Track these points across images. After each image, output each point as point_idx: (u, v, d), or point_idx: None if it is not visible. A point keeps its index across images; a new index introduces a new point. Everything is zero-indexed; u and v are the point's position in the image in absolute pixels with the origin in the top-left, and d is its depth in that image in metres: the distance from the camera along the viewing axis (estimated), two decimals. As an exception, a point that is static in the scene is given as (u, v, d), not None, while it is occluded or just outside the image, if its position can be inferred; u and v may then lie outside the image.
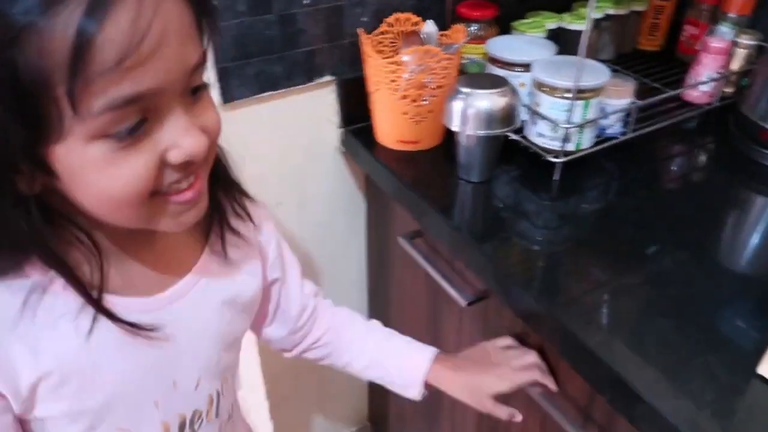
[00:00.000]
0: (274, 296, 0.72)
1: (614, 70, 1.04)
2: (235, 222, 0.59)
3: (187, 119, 0.41)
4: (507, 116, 0.82)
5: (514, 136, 0.89)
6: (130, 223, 0.44)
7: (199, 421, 0.60)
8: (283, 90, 0.95)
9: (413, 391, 0.76)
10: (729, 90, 1.05)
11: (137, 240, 0.51)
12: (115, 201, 0.41)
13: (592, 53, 1.13)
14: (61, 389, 0.48)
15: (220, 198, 0.57)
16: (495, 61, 0.93)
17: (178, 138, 0.40)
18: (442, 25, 0.99)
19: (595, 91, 0.84)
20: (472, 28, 0.99)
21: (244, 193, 0.61)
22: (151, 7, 0.35)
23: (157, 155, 0.40)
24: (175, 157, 0.41)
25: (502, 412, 0.74)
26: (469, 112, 0.81)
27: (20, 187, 0.40)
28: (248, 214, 0.61)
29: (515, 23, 1.03)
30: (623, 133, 0.93)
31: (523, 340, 0.79)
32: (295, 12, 0.89)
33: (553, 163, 0.87)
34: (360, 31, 0.93)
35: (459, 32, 0.92)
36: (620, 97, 0.91)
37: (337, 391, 1.38)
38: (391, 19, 0.96)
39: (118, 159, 0.39)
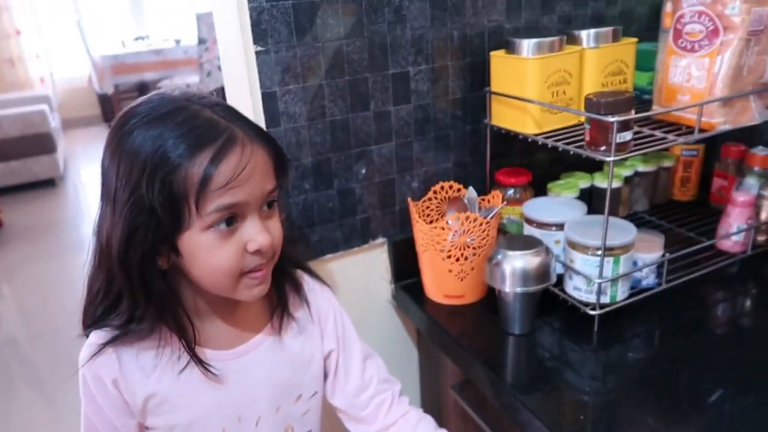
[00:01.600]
0: (332, 366, 0.82)
1: (645, 223, 1.12)
2: (295, 302, 0.78)
3: (260, 223, 0.63)
4: (542, 274, 0.90)
5: (553, 290, 0.96)
6: (223, 290, 0.65)
7: None
8: (342, 252, 1.07)
9: None
10: (762, 238, 1.10)
11: (224, 306, 0.71)
12: (218, 272, 0.63)
13: (626, 207, 1.22)
14: (161, 407, 0.69)
15: (286, 289, 0.77)
16: (530, 221, 1.03)
17: (254, 234, 0.63)
18: (483, 190, 1.11)
19: (624, 248, 0.91)
20: (509, 192, 1.10)
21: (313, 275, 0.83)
22: (246, 156, 0.60)
23: (241, 244, 0.63)
24: (251, 246, 0.63)
25: None
26: (506, 271, 0.90)
27: (160, 263, 0.63)
28: (307, 302, 0.80)
29: (550, 184, 1.14)
30: (658, 284, 0.99)
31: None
32: (353, 186, 1.04)
33: (591, 315, 0.93)
34: (409, 199, 1.06)
35: (497, 197, 1.04)
36: (651, 251, 0.97)
37: None
38: (437, 187, 1.10)
39: (220, 244, 0.62)
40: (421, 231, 1.02)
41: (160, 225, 0.59)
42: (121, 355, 0.67)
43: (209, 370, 0.69)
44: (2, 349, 2.51)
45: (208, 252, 0.61)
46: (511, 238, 0.97)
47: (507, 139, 1.10)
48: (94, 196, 4.18)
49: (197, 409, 0.71)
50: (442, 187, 1.10)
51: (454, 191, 1.11)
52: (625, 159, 1.00)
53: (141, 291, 0.63)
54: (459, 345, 0.95)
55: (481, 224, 0.98)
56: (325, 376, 0.83)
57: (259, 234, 0.63)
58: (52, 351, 2.44)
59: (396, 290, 1.13)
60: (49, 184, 4.35)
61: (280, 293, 0.76)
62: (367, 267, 1.12)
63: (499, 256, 0.91)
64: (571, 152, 0.91)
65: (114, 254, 0.60)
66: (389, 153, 1.06)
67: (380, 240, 1.11)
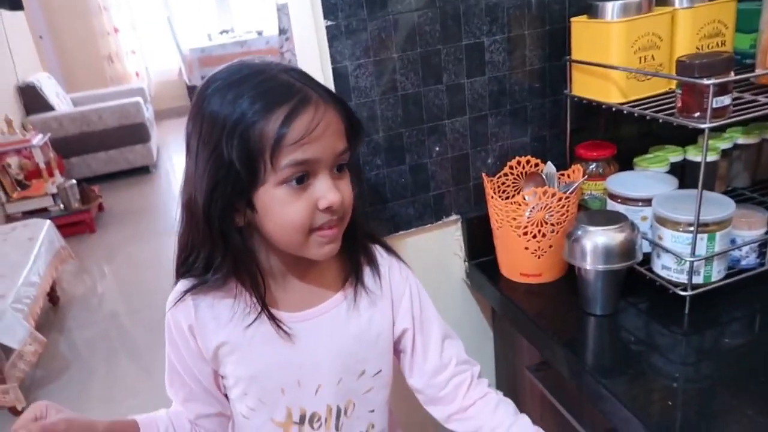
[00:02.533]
0: (408, 346, 0.81)
1: (746, 200, 1.03)
2: (369, 274, 0.78)
3: (331, 181, 0.65)
4: (626, 251, 0.84)
5: (639, 269, 0.90)
6: (294, 246, 0.67)
7: (318, 423, 0.76)
8: (415, 228, 1.06)
9: None
10: None
11: (297, 267, 0.73)
12: (290, 227, 0.65)
13: (724, 182, 1.12)
14: (228, 357, 0.73)
15: (360, 259, 0.77)
16: (615, 197, 0.97)
17: (325, 191, 0.64)
18: (562, 165, 1.06)
19: (720, 224, 0.84)
20: (591, 167, 1.04)
21: (388, 251, 0.82)
22: (319, 116, 0.62)
23: (313, 201, 0.64)
24: (321, 203, 0.64)
25: None
26: (587, 248, 0.85)
27: (237, 220, 0.66)
28: (379, 275, 0.78)
29: (637, 159, 1.06)
30: (760, 264, 0.90)
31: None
32: (425, 162, 1.02)
33: (682, 296, 0.86)
34: (484, 175, 1.03)
35: (577, 172, 0.99)
36: (752, 229, 0.89)
37: None
38: (513, 162, 1.06)
39: (292, 199, 0.64)
40: (496, 207, 0.98)
41: (239, 180, 0.62)
42: (198, 303, 0.71)
43: (280, 327, 0.71)
44: (105, 323, 2.71)
45: (281, 207, 0.64)
46: (593, 213, 0.91)
47: (589, 111, 1.04)
48: (184, 182, 4.39)
49: (260, 365, 0.73)
50: (519, 162, 1.06)
51: (531, 166, 1.06)
52: (723, 127, 0.91)
53: (220, 242, 0.66)
54: (536, 325, 0.91)
55: (560, 199, 0.93)
56: (401, 354, 0.82)
57: (330, 191, 0.64)
58: (148, 325, 2.60)
59: (470, 268, 1.10)
60: (143, 171, 4.63)
61: (353, 261, 0.76)
62: (440, 244, 1.10)
63: (579, 232, 0.87)
64: (660, 120, 0.84)
65: (197, 208, 0.64)
66: (463, 127, 1.03)
67: (454, 217, 1.08)
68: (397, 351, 0.83)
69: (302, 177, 0.63)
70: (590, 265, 0.86)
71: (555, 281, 1.00)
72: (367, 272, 0.78)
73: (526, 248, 0.97)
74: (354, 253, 0.76)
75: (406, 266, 0.82)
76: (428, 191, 1.04)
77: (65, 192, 3.61)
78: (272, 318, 0.71)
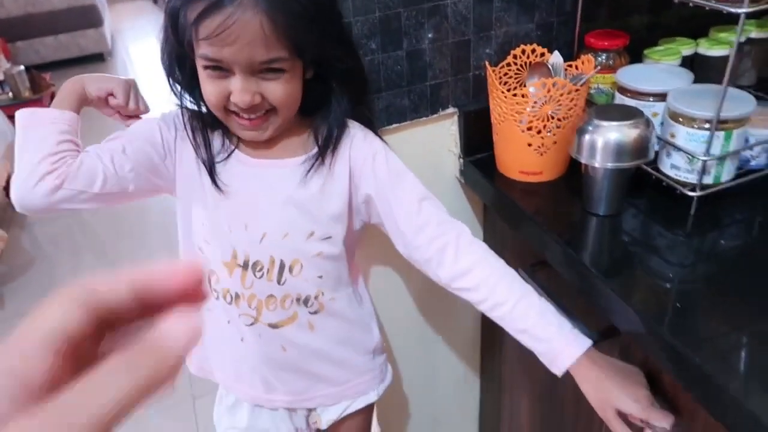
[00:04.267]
0: (379, 212, 0.83)
1: (759, 98, 0.98)
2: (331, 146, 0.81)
3: (244, 83, 0.69)
4: (639, 148, 0.80)
5: (645, 168, 0.86)
6: (221, 119, 0.76)
7: (260, 272, 0.81)
8: (409, 122, 0.98)
9: (554, 370, 0.74)
10: None
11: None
12: (207, 100, 0.74)
13: (732, 79, 1.07)
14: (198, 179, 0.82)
15: (324, 135, 0.80)
16: (625, 90, 0.91)
17: (234, 90, 0.69)
18: (569, 55, 0.98)
19: (739, 122, 0.79)
20: (600, 58, 0.97)
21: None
22: (233, 19, 0.63)
23: (226, 90, 0.70)
24: (232, 98, 0.70)
25: (620, 428, 0.71)
26: (598, 144, 0.80)
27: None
28: (334, 145, 0.81)
29: (648, 51, 0.99)
30: (769, 166, 0.87)
31: (651, 382, 0.75)
32: (423, 47, 0.93)
33: (689, 197, 0.83)
34: (486, 63, 0.94)
35: (588, 63, 0.91)
36: (766, 128, 0.85)
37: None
38: (517, 50, 0.97)
39: (208, 80, 0.71)
40: (498, 99, 0.91)
41: (180, 43, 0.71)
42: (195, 125, 0.80)
43: (239, 165, 0.81)
44: (67, 218, 2.60)
45: (202, 82, 0.72)
46: (605, 108, 0.85)
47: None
48: (143, 70, 4.14)
49: (215, 197, 0.80)
50: (524, 51, 0.98)
51: (536, 56, 0.98)
52: (759, 13, 0.84)
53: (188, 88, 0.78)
54: (535, 224, 0.88)
55: (569, 92, 0.86)
56: (383, 226, 0.85)
57: (239, 93, 0.69)
58: (111, 219, 2.52)
59: (465, 165, 1.05)
60: (97, 59, 4.32)
61: (316, 135, 0.81)
62: (434, 139, 1.03)
63: (590, 127, 0.81)
64: (691, 4, 0.76)
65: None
66: (466, 9, 0.93)
67: (451, 110, 1.01)
68: (377, 223, 0.85)
69: (216, 68, 0.69)
70: (599, 162, 0.81)
71: (555, 180, 0.96)
72: (330, 145, 0.81)
73: (529, 144, 0.91)
74: (320, 129, 0.80)
75: (374, 135, 0.84)
76: (425, 80, 0.96)
77: (13, 79, 3.35)
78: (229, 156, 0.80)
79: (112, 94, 0.81)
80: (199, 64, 0.71)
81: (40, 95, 3.46)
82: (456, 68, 0.97)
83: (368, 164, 0.81)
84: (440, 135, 1.03)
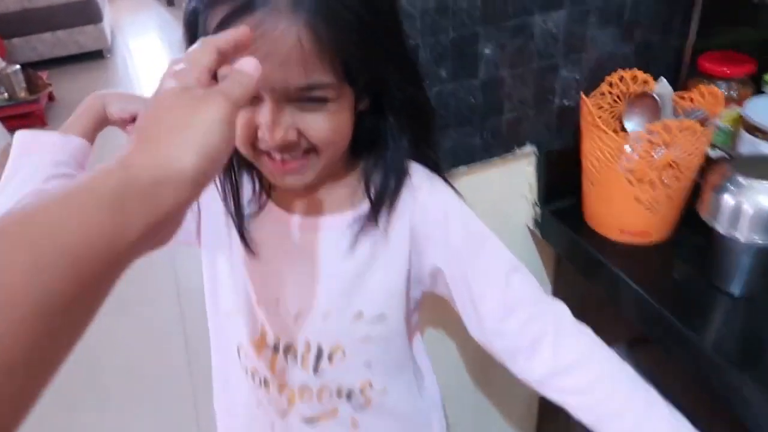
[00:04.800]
0: (453, 288, 0.63)
1: None
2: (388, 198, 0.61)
3: (275, 115, 0.50)
4: (800, 217, 0.61)
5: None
6: (252, 161, 0.56)
7: (294, 358, 0.64)
8: (479, 162, 0.80)
9: None
10: None
11: None
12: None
13: None
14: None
15: (379, 181, 0.60)
16: (756, 130, 0.72)
17: (263, 124, 0.50)
18: (675, 82, 0.79)
19: None
20: (721, 89, 0.78)
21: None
22: (267, 31, 0.46)
23: (253, 122, 0.51)
24: (260, 134, 0.51)
25: None
26: (745, 212, 0.61)
27: None
28: (392, 199, 0.61)
29: None
30: None
31: None
32: (503, 75, 0.74)
33: None
34: (582, 94, 0.75)
35: (712, 95, 0.72)
36: None
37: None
38: (613, 77, 0.78)
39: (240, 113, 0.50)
40: (597, 140, 0.72)
41: None
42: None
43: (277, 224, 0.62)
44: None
45: None
46: (749, 161, 0.66)
47: (720, 6, 0.76)
48: (144, 68, 3.96)
49: (243, 260, 0.64)
50: (621, 78, 0.79)
51: (638, 84, 0.79)
52: None
53: None
54: (640, 294, 0.70)
55: (695, 134, 0.67)
56: (454, 304, 0.64)
57: (268, 127, 0.50)
58: None
59: (542, 215, 0.86)
60: (97, 56, 4.12)
61: (369, 185, 0.61)
62: (504, 183, 0.84)
63: (733, 187, 0.62)
64: None
65: None
66: (555, 26, 0.74)
67: (528, 148, 0.82)
68: (443, 295, 0.66)
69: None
70: (745, 235, 0.62)
71: (663, 242, 0.77)
72: (387, 195, 0.61)
73: (637, 199, 0.72)
74: (373, 177, 0.61)
75: (444, 182, 0.64)
76: (501, 114, 0.77)
77: (8, 78, 3.16)
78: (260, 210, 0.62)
79: (136, 118, 0.65)
80: None
81: (36, 96, 3.28)
82: (538, 99, 0.78)
83: (438, 227, 0.62)
84: (512, 176, 0.85)
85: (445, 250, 0.62)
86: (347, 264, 0.62)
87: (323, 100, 0.51)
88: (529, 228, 0.90)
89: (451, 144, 0.76)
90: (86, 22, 3.97)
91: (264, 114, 0.50)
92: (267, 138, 0.51)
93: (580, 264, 0.82)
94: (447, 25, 0.68)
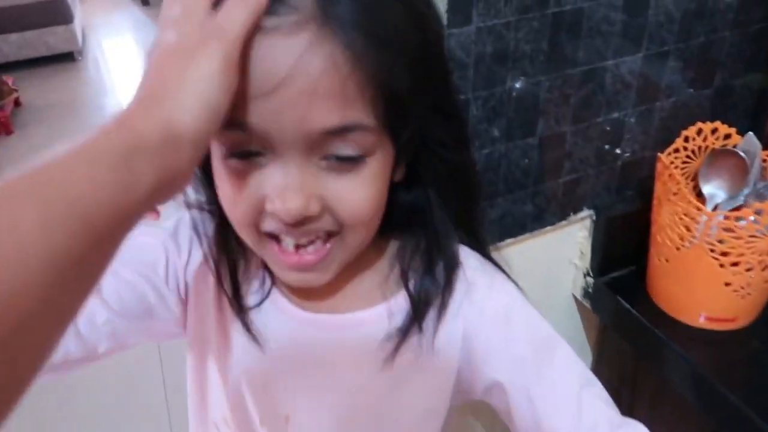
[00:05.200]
0: (510, 407, 0.47)
1: None
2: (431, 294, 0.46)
3: (291, 179, 0.36)
4: None
5: None
6: (255, 249, 0.41)
7: None
8: (528, 234, 0.66)
9: None
10: None
11: None
12: (233, 219, 0.40)
13: None
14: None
15: (423, 270, 0.46)
16: None
17: (273, 191, 0.36)
18: (761, 134, 0.67)
19: None
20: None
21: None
22: (295, 52, 0.32)
23: (259, 194, 0.37)
24: (267, 207, 0.37)
25: None
26: None
27: None
28: (445, 297, 0.46)
29: None
30: None
31: None
32: (566, 131, 0.60)
33: None
34: (660, 155, 0.62)
35: (816, 160, 0.60)
36: None
37: None
38: (691, 131, 0.66)
39: (233, 180, 0.37)
40: (682, 210, 0.59)
41: None
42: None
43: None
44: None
45: (221, 186, 0.39)
46: None
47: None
48: (118, 71, 3.76)
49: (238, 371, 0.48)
50: (700, 132, 0.66)
51: (716, 138, 0.66)
52: None
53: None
54: (717, 389, 0.57)
55: (806, 213, 0.55)
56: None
57: (279, 195, 0.36)
58: None
59: (594, 286, 0.73)
60: (67, 58, 3.90)
61: (406, 274, 0.46)
62: (553, 250, 0.71)
63: None
64: None
65: None
66: (630, 72, 0.61)
67: (583, 213, 0.69)
68: (503, 415, 0.50)
69: (251, 153, 0.36)
70: None
71: (747, 327, 0.65)
72: (430, 289, 0.46)
73: (728, 284, 0.60)
74: (412, 260, 0.46)
75: (506, 278, 0.49)
76: (558, 177, 0.64)
77: (-31, 84, 2.95)
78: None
79: None
80: (214, 147, 0.38)
81: (2, 102, 3.07)
82: (600, 157, 0.65)
83: (499, 333, 0.48)
84: (561, 244, 0.71)
85: (508, 361, 0.48)
86: (380, 378, 0.48)
87: (359, 159, 0.37)
88: (575, 297, 0.77)
89: (498, 214, 0.62)
90: (56, 22, 3.76)
91: (275, 175, 0.36)
92: (279, 210, 0.36)
93: (641, 346, 0.70)
94: (505, 74, 0.54)
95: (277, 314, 0.47)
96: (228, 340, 0.49)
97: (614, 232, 0.69)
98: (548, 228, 0.67)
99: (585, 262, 0.73)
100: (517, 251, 0.67)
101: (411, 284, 0.46)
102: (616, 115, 0.63)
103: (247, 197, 0.37)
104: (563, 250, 0.72)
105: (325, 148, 0.35)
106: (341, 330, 0.47)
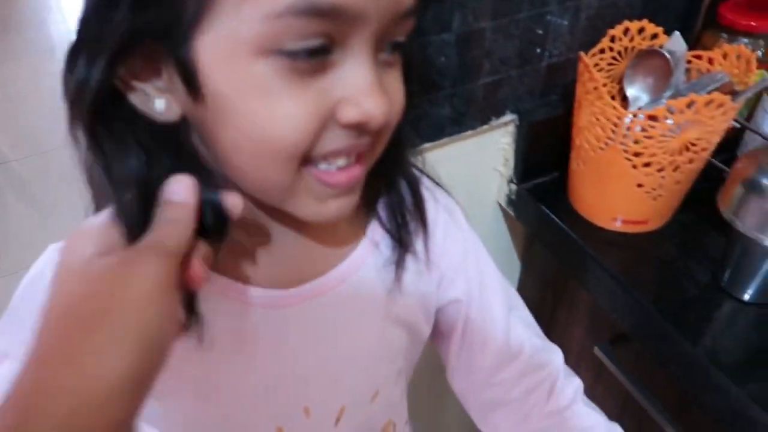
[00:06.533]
0: (456, 326, 0.49)
1: None
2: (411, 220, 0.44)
3: (376, 75, 0.31)
4: None
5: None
6: (271, 192, 0.34)
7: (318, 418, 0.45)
8: (447, 139, 0.64)
9: None
10: None
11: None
12: (267, 147, 0.30)
13: None
14: None
15: (400, 195, 0.43)
16: (784, 103, 0.60)
17: (358, 93, 0.30)
18: (689, 36, 0.65)
19: None
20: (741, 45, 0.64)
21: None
22: None
23: (328, 102, 0.30)
24: (347, 115, 0.30)
25: None
26: (779, 214, 0.49)
27: (137, 103, 0.31)
28: (422, 215, 0.44)
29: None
30: None
31: None
32: (485, 26, 0.57)
33: None
34: (581, 54, 0.60)
35: (745, 59, 0.58)
36: None
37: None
38: (617, 29, 0.63)
39: (286, 87, 0.29)
40: (599, 111, 0.58)
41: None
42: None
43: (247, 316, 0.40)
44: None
45: (261, 97, 0.29)
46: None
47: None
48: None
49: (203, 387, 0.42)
50: (626, 31, 0.64)
51: (644, 38, 0.64)
52: None
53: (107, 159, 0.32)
54: (637, 293, 0.59)
55: (724, 112, 0.54)
56: (441, 339, 0.51)
57: (370, 94, 0.30)
58: (40, 171, 2.07)
59: (517, 194, 0.73)
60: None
61: (386, 200, 0.43)
62: (476, 156, 0.70)
63: (765, 181, 0.50)
64: None
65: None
66: (552, -37, 0.57)
67: (507, 117, 0.67)
68: (436, 333, 0.51)
69: (318, 49, 0.28)
70: (774, 239, 0.51)
71: (658, 230, 0.66)
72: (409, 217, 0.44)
73: (640, 185, 0.60)
74: (389, 185, 0.43)
75: (456, 203, 0.50)
76: (478, 78, 0.61)
77: None
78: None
79: None
80: (255, 48, 0.28)
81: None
82: (523, 57, 0.62)
83: (459, 249, 0.48)
84: (487, 150, 0.70)
85: (464, 275, 0.48)
86: (399, 309, 0.45)
87: (401, 48, 0.33)
88: (499, 205, 0.77)
89: (414, 116, 0.60)
90: None
91: (356, 73, 0.30)
92: (369, 112, 0.30)
93: (561, 253, 0.70)
94: (414, -41, 0.50)
95: (228, 305, 0.40)
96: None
97: (537, 138, 0.68)
98: (469, 132, 0.65)
99: (509, 169, 0.72)
100: (437, 157, 0.66)
101: (380, 208, 0.44)
102: (539, 11, 0.60)
103: (311, 103, 0.30)
104: (487, 156, 0.71)
105: (389, 36, 0.31)
106: (340, 285, 0.43)
